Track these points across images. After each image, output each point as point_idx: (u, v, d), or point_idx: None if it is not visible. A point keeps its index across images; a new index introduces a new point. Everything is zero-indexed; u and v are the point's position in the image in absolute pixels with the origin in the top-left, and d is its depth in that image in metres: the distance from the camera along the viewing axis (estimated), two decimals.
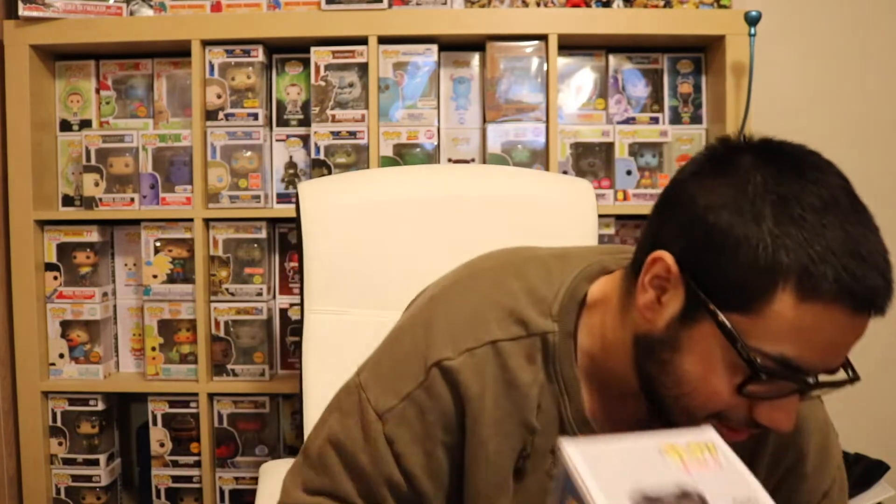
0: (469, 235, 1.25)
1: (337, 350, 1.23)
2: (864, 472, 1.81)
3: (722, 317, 0.63)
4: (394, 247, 1.26)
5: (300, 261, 1.26)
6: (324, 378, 1.22)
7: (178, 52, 1.86)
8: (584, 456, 0.54)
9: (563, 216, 1.25)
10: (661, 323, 0.68)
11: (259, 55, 1.81)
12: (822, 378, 0.66)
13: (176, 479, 1.87)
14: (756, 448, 0.79)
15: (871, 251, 0.62)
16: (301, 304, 1.28)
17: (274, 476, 1.23)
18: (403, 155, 1.81)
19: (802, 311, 0.61)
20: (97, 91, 1.93)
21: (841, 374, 0.67)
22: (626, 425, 0.77)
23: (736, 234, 0.63)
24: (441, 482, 0.78)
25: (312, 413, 1.21)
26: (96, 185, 1.85)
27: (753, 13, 1.70)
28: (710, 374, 0.65)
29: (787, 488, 0.81)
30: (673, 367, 0.68)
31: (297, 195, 1.26)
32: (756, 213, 0.63)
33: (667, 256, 0.68)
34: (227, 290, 1.83)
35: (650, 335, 0.69)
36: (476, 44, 1.85)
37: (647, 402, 0.72)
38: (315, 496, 0.80)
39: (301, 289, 1.27)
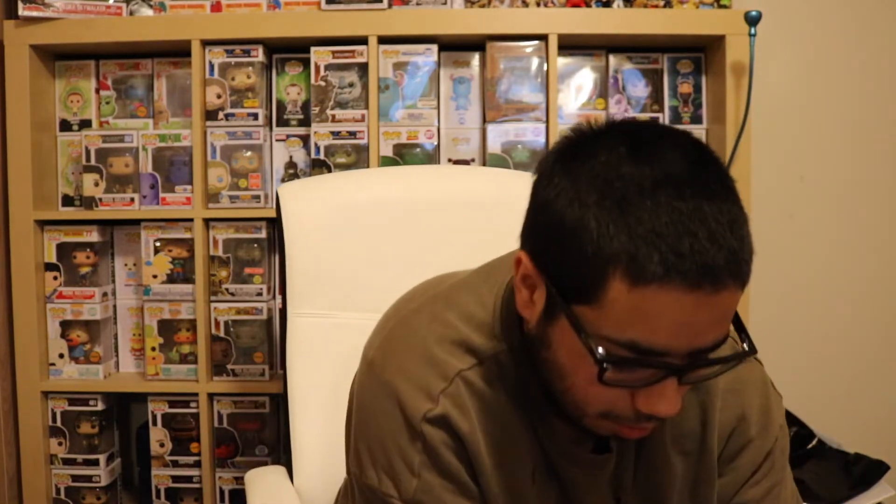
0: (453, 237, 1.25)
1: (321, 353, 1.22)
2: (864, 472, 1.81)
3: (569, 310, 0.64)
4: (376, 249, 1.26)
5: (282, 264, 1.26)
6: (309, 380, 1.22)
7: (178, 52, 1.86)
8: None
9: None
10: (535, 321, 0.69)
11: (259, 55, 1.81)
12: (715, 355, 0.65)
13: (176, 479, 1.87)
14: (705, 432, 0.80)
15: (707, 225, 0.60)
16: (283, 308, 1.27)
17: (260, 485, 1.22)
18: (403, 155, 1.81)
19: (637, 297, 0.60)
20: (97, 91, 1.93)
21: (724, 351, 0.67)
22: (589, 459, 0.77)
23: (568, 224, 0.63)
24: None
25: (298, 415, 1.20)
26: (96, 185, 1.85)
27: (753, 13, 1.70)
28: (578, 368, 0.66)
29: (733, 452, 0.82)
30: (550, 364, 0.69)
31: (276, 197, 1.25)
32: (583, 202, 0.62)
33: (524, 255, 0.68)
34: (227, 290, 1.83)
35: (531, 333, 0.71)
36: (476, 44, 1.85)
37: (549, 402, 0.73)
38: None
39: (283, 292, 1.26)
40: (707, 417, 0.80)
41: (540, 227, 0.67)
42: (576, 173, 0.64)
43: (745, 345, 0.68)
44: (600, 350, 0.62)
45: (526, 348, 0.74)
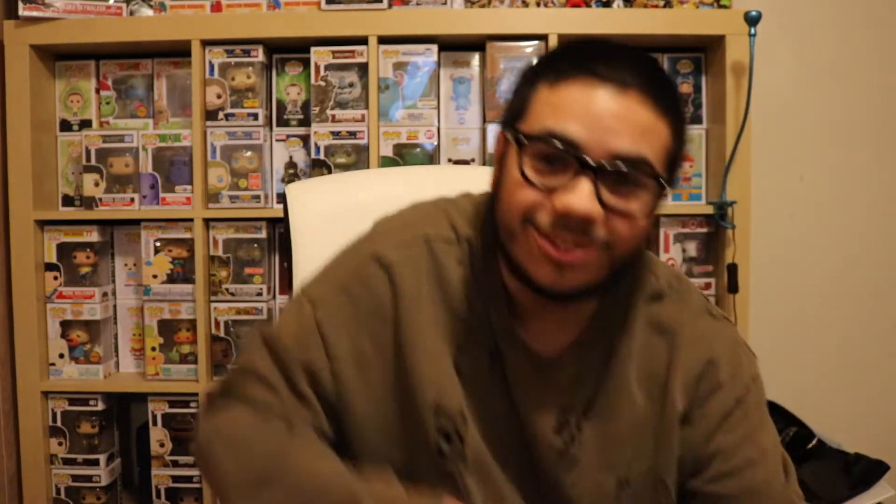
0: None
1: None
2: (864, 472, 1.81)
3: (508, 128, 0.78)
4: None
5: (289, 263, 1.26)
6: None
7: (178, 52, 1.86)
8: None
9: None
10: (494, 182, 0.81)
11: (259, 55, 1.81)
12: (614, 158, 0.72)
13: (176, 479, 1.87)
14: (668, 375, 0.83)
15: (619, 52, 0.76)
16: None
17: None
18: (403, 155, 1.81)
19: (554, 94, 0.74)
20: (97, 91, 1.93)
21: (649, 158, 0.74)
22: (547, 333, 0.83)
23: (516, 83, 0.80)
24: (367, 375, 0.82)
25: None
26: (96, 185, 1.85)
27: (753, 13, 1.70)
28: (510, 178, 0.76)
29: (702, 397, 0.83)
30: (497, 194, 0.79)
31: (284, 197, 1.26)
32: (526, 67, 0.81)
33: (499, 132, 0.82)
34: (227, 290, 1.83)
35: (492, 194, 0.82)
36: (476, 44, 1.85)
37: (499, 245, 0.80)
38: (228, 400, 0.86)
39: (289, 291, 1.26)
40: (672, 362, 0.83)
41: (507, 102, 0.82)
42: (534, 64, 0.81)
43: (663, 180, 0.75)
44: (525, 145, 0.74)
45: (494, 243, 0.83)
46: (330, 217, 1.26)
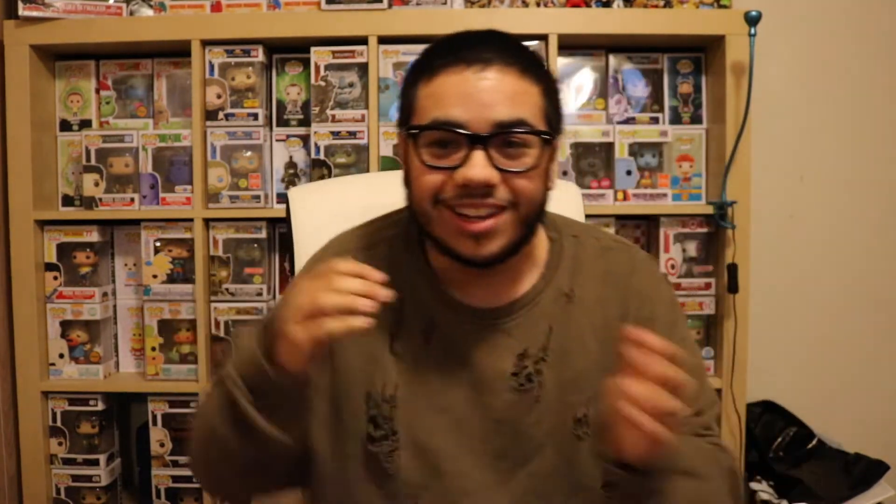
0: None
1: None
2: (864, 472, 1.81)
3: (402, 130, 0.88)
4: None
5: (292, 266, 1.26)
6: None
7: (178, 52, 1.86)
8: None
9: None
10: (403, 178, 0.90)
11: (259, 55, 1.81)
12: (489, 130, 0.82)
13: (176, 479, 1.87)
14: (625, 313, 0.93)
15: (479, 37, 0.85)
16: None
17: None
18: None
19: (430, 87, 0.83)
20: (97, 91, 1.93)
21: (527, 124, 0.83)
22: (489, 293, 0.92)
23: (401, 88, 0.90)
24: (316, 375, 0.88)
25: None
26: (96, 185, 1.85)
27: (753, 13, 1.70)
28: (414, 169, 0.85)
29: None
30: (408, 188, 0.89)
31: (287, 201, 1.26)
32: (406, 72, 0.89)
33: (399, 139, 0.92)
34: (227, 290, 1.83)
35: (405, 189, 0.90)
36: None
37: (421, 231, 0.91)
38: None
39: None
40: (625, 313, 0.93)
41: (399, 107, 0.91)
42: (411, 66, 0.90)
43: (545, 133, 0.84)
44: (420, 141, 0.83)
45: (417, 233, 0.94)
46: (332, 221, 1.26)
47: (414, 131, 0.84)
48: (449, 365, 0.90)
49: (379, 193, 1.31)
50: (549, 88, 0.87)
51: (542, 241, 0.95)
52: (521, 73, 0.83)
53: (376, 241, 0.97)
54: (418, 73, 0.86)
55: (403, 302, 0.91)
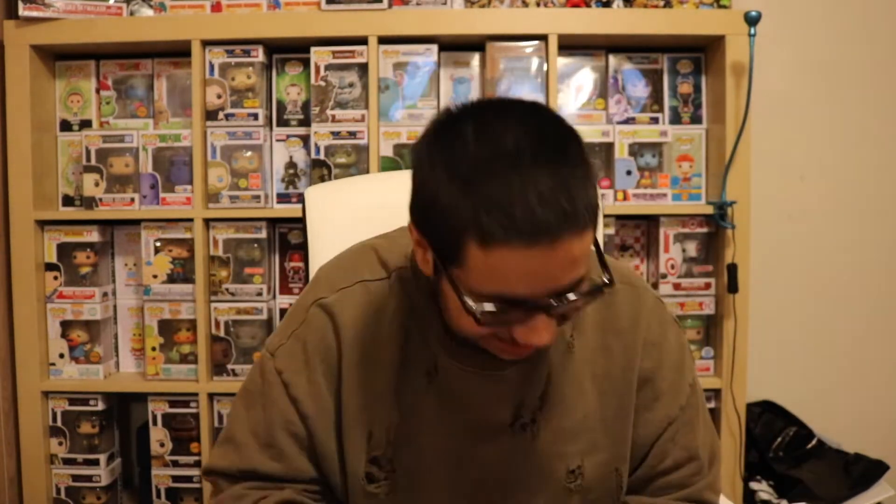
0: None
1: None
2: (864, 472, 1.81)
3: (447, 272, 0.75)
4: None
5: (306, 266, 1.26)
6: None
7: (178, 52, 1.86)
8: None
9: None
10: (430, 274, 0.81)
11: (259, 55, 1.81)
12: (571, 297, 0.74)
13: (176, 479, 1.87)
14: (624, 376, 0.90)
15: (537, 189, 0.69)
16: None
17: None
18: (403, 155, 1.81)
19: (489, 258, 0.70)
20: (97, 91, 1.93)
21: (587, 286, 0.76)
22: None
23: (430, 202, 0.74)
24: (324, 409, 0.88)
25: None
26: (96, 185, 1.85)
27: (753, 13, 1.70)
28: (462, 314, 0.75)
29: (648, 405, 0.90)
30: (444, 306, 0.82)
31: (303, 200, 1.26)
32: (439, 181, 0.72)
33: (412, 227, 0.80)
34: (227, 290, 1.83)
35: (430, 279, 0.83)
36: (476, 44, 1.85)
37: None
38: (232, 482, 0.90)
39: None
40: (629, 364, 0.90)
41: (416, 203, 0.78)
42: (435, 157, 0.74)
43: (605, 278, 0.77)
44: (472, 304, 0.73)
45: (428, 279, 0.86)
46: (348, 221, 1.26)
47: (468, 299, 0.73)
48: (448, 409, 0.87)
49: (394, 193, 1.31)
50: (596, 217, 0.76)
51: None
52: (583, 232, 0.72)
53: (391, 271, 0.91)
54: (463, 220, 0.70)
55: (409, 339, 0.88)
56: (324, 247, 1.25)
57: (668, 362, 0.91)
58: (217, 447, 0.93)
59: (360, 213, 1.27)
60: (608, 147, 1.86)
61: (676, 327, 0.95)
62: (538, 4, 1.84)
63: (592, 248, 0.76)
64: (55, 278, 1.86)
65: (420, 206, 0.77)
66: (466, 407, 0.87)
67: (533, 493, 0.88)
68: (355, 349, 0.88)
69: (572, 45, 1.86)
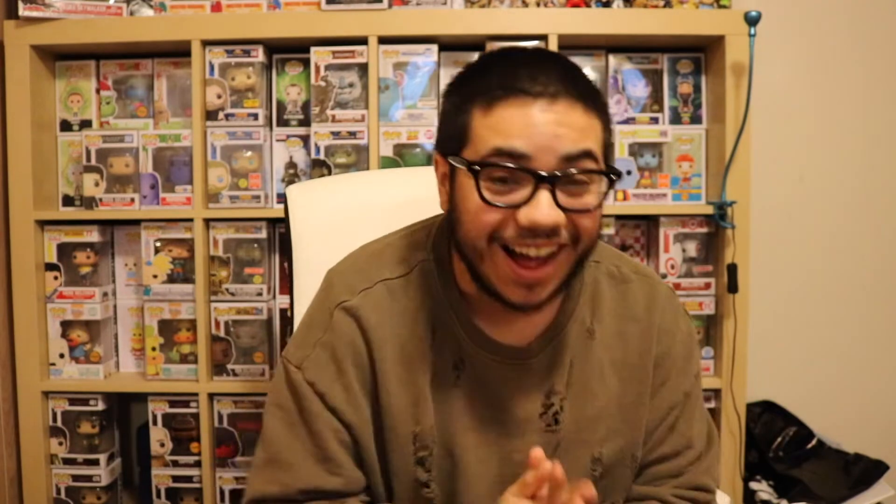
0: None
1: None
2: (864, 472, 1.81)
3: (454, 157, 0.81)
4: None
5: (289, 264, 1.26)
6: None
7: (178, 52, 1.86)
8: None
9: None
10: (446, 203, 0.86)
11: (259, 55, 1.81)
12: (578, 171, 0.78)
13: (176, 479, 1.87)
14: (641, 362, 0.92)
15: (539, 65, 0.79)
16: (291, 308, 1.28)
17: None
18: (403, 155, 1.81)
19: (490, 117, 0.77)
20: (97, 91, 1.93)
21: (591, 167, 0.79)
22: (516, 328, 0.89)
23: (445, 113, 0.84)
24: (363, 415, 0.87)
25: None
26: (96, 185, 1.85)
27: (753, 13, 1.70)
28: (468, 201, 0.79)
29: (655, 390, 0.92)
30: (456, 217, 0.83)
31: (285, 198, 1.26)
32: (449, 95, 0.84)
33: (436, 154, 0.86)
34: (227, 290, 1.83)
35: (448, 214, 0.86)
36: (476, 44, 1.85)
37: (463, 260, 0.85)
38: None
39: (290, 292, 1.26)
40: (646, 350, 0.92)
41: (441, 126, 0.86)
42: (450, 87, 0.85)
43: (612, 172, 0.81)
44: (478, 168, 0.77)
45: (450, 257, 0.89)
46: (331, 219, 1.26)
47: (473, 165, 0.78)
48: (478, 403, 0.88)
49: (378, 191, 1.31)
50: (608, 121, 0.83)
51: None
52: (585, 107, 0.78)
53: (411, 267, 0.91)
54: (472, 98, 0.80)
55: (436, 333, 0.88)
56: (307, 246, 1.25)
57: (677, 350, 0.93)
58: (258, 473, 0.90)
59: (345, 211, 1.27)
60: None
61: (687, 318, 0.98)
62: (538, 4, 1.84)
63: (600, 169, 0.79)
64: (55, 278, 1.86)
65: (440, 130, 0.85)
66: (496, 401, 0.87)
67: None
68: (387, 350, 0.87)
69: (572, 45, 1.86)
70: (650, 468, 0.93)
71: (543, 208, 0.76)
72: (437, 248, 0.91)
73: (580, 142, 0.77)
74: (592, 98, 0.80)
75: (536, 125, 0.76)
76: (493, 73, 0.80)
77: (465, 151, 0.80)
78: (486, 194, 0.77)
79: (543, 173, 0.75)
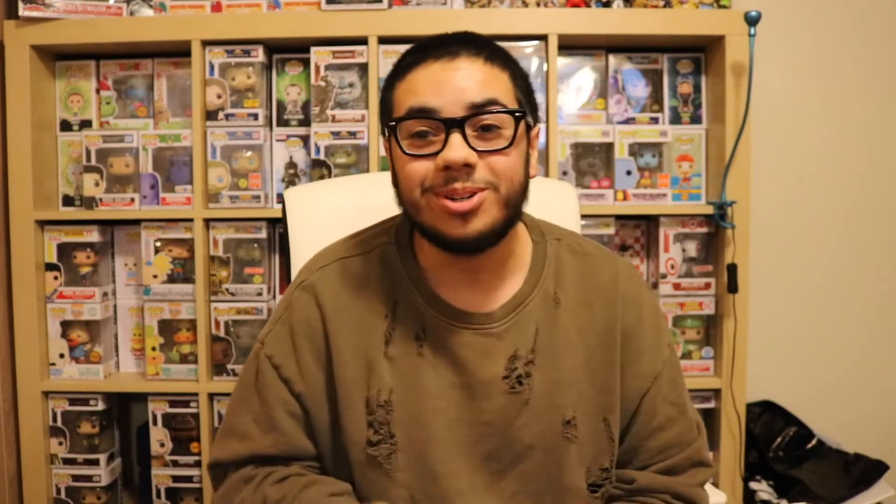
0: None
1: None
2: (864, 472, 1.81)
3: (385, 127, 0.92)
4: None
5: (287, 267, 1.26)
6: None
7: (178, 52, 1.86)
8: None
9: (546, 219, 1.26)
10: (392, 174, 0.94)
11: (259, 55, 1.81)
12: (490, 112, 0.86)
13: (176, 479, 1.87)
14: (606, 329, 0.95)
15: (446, 37, 0.90)
16: None
17: None
18: None
19: (405, 83, 0.88)
20: (97, 91, 1.93)
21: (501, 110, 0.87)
22: (481, 297, 0.94)
23: (381, 99, 0.94)
24: (316, 386, 0.93)
25: None
26: (96, 185, 1.85)
27: (753, 13, 1.70)
28: (399, 162, 0.89)
29: (632, 360, 0.95)
30: (396, 183, 0.92)
31: (282, 200, 1.26)
32: (384, 82, 0.94)
33: (382, 138, 0.98)
34: (227, 290, 1.83)
35: (395, 188, 0.94)
36: None
37: (410, 222, 0.94)
38: (236, 469, 0.94)
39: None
40: (612, 317, 0.96)
41: (380, 114, 0.97)
42: (388, 74, 0.94)
43: (517, 111, 0.88)
44: (399, 130, 0.87)
45: (411, 237, 0.98)
46: (328, 222, 1.26)
47: (393, 124, 0.88)
48: (441, 369, 0.92)
49: (374, 194, 1.31)
50: (517, 75, 0.91)
51: (525, 244, 0.98)
52: (488, 61, 0.87)
53: (370, 248, 0.98)
54: (393, 77, 0.91)
55: (396, 306, 0.94)
56: (306, 248, 1.25)
57: (647, 319, 0.97)
58: (217, 442, 0.97)
59: (341, 214, 1.27)
60: (608, 147, 1.86)
61: (649, 290, 1.02)
62: (538, 4, 1.84)
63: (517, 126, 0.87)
64: (55, 278, 1.86)
65: (379, 115, 0.96)
66: (459, 365, 0.92)
67: (530, 445, 0.91)
68: (341, 322, 0.94)
69: (572, 45, 1.86)
70: (651, 438, 0.95)
71: (455, 148, 0.83)
72: (399, 232, 0.99)
73: (484, 91, 0.85)
74: (495, 53, 0.89)
75: (442, 81, 0.85)
76: (409, 52, 0.91)
77: (392, 126, 0.89)
78: (407, 148, 0.86)
79: (451, 118, 0.84)
